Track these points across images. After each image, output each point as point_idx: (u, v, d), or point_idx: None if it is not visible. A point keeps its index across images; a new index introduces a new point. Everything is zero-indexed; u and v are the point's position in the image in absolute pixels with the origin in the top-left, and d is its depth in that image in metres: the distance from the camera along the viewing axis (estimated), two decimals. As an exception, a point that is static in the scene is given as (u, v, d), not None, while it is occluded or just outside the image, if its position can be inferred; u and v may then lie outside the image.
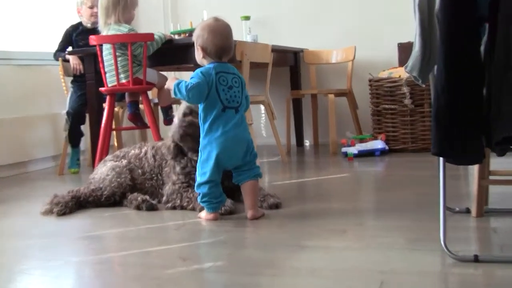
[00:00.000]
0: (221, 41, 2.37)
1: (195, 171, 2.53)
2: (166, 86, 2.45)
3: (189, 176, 2.70)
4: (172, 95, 2.39)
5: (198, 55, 2.44)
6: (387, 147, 4.38)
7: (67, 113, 4.31)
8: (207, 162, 2.35)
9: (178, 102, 5.29)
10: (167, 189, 2.75)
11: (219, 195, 2.42)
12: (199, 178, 2.39)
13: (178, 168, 2.73)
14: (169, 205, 2.71)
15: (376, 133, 4.56)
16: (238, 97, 2.41)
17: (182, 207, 2.68)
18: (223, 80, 2.36)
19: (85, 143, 4.82)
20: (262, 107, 5.48)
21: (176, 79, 2.39)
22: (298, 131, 5.28)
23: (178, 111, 2.73)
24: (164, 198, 2.76)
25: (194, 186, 2.59)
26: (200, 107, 2.38)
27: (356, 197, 2.91)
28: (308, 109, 5.27)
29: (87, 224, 2.60)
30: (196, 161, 2.49)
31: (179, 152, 2.71)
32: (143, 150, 2.97)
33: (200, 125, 2.39)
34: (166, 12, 5.81)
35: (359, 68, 5.09)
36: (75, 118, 4.29)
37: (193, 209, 2.63)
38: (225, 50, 2.40)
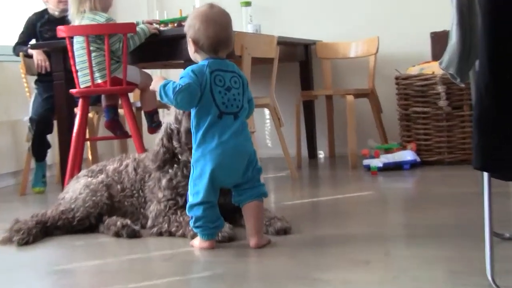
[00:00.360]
0: (217, 32, 2.36)
1: (185, 183, 2.53)
2: (151, 88, 2.44)
3: (175, 191, 2.70)
4: (158, 98, 2.39)
5: (190, 50, 2.44)
6: (418, 159, 4.38)
7: (30, 120, 4.32)
8: (201, 179, 2.34)
9: (165, 106, 5.29)
10: (152, 209, 2.75)
11: (216, 218, 2.41)
12: (191, 198, 2.38)
13: (163, 181, 2.72)
14: (155, 230, 2.71)
15: (405, 142, 4.56)
16: (238, 101, 2.40)
17: (171, 233, 2.67)
18: (219, 80, 2.35)
19: (52, 156, 4.82)
20: (266, 111, 5.49)
21: (163, 79, 2.39)
22: (310, 140, 5.28)
23: (168, 114, 2.74)
24: (149, 222, 2.75)
25: (184, 205, 2.58)
26: (192, 112, 2.37)
27: (382, 220, 2.90)
28: (322, 114, 5.28)
29: (55, 255, 2.59)
30: (188, 172, 2.49)
31: (170, 159, 2.71)
32: (123, 163, 2.97)
33: (192, 133, 2.38)
34: (151, 1, 5.84)
35: (384, 63, 5.10)
36: (40, 126, 4.30)
37: (184, 235, 2.62)
38: (222, 43, 2.39)
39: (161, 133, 2.73)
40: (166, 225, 2.68)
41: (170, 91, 2.32)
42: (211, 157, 2.33)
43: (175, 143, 2.67)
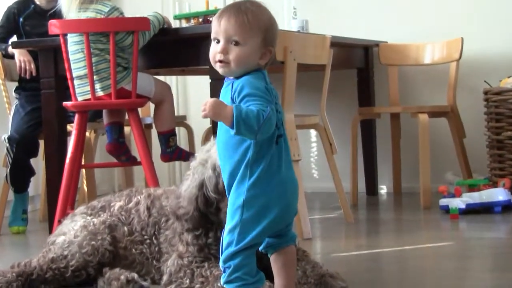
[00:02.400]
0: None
1: (216, 245, 2.54)
2: (207, 114, 2.25)
3: (205, 251, 2.73)
4: (232, 132, 2.26)
5: (252, 57, 2.42)
6: (513, 200, 4.37)
7: (9, 139, 4.37)
8: (257, 222, 2.36)
9: (184, 125, 5.38)
10: (170, 264, 2.78)
11: (256, 271, 2.44)
12: (231, 248, 2.41)
13: (188, 237, 2.76)
14: (173, 287, 2.75)
15: (496, 177, 4.55)
16: (280, 118, 2.46)
17: (193, 291, 2.71)
18: (274, 95, 2.40)
19: (35, 185, 4.89)
20: (313, 133, 5.52)
21: (220, 102, 2.27)
22: (369, 172, 5.30)
23: (200, 161, 2.75)
24: (165, 278, 2.78)
25: (214, 260, 2.62)
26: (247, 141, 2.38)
27: (465, 282, 2.90)
28: (385, 137, 5.30)
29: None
30: (221, 233, 2.50)
31: (203, 222, 2.74)
32: (133, 200, 3.02)
33: (237, 166, 2.40)
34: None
35: (469, 72, 5.11)
36: (21, 148, 4.36)
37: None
38: None
39: (193, 187, 2.73)
40: (187, 281, 2.70)
41: (254, 120, 2.28)
42: (276, 195, 2.37)
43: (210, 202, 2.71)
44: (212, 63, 2.39)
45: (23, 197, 4.49)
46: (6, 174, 4.41)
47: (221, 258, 2.40)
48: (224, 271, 2.41)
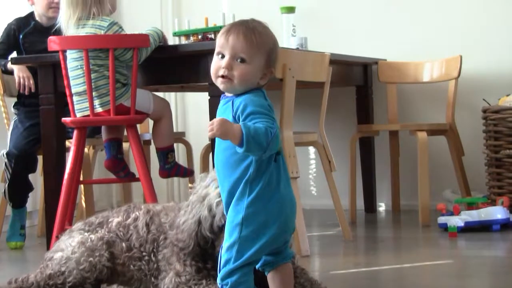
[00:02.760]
0: None
1: (215, 263, 2.54)
2: (215, 133, 2.24)
3: (204, 272, 2.73)
4: (239, 150, 2.25)
5: (255, 76, 2.43)
6: (512, 218, 4.37)
7: (7, 154, 4.38)
8: (256, 239, 2.36)
9: (183, 141, 5.39)
10: (168, 281, 2.78)
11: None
12: (229, 265, 2.40)
13: (188, 259, 2.76)
14: (171, 304, 2.74)
15: (494, 195, 4.55)
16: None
17: (193, 309, 2.70)
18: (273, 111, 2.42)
19: (33, 201, 4.89)
20: (312, 150, 5.52)
21: (226, 121, 2.26)
22: (368, 189, 5.30)
23: (202, 191, 2.74)
24: (164, 295, 2.78)
25: (212, 279, 2.62)
26: (248, 159, 2.38)
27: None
28: (384, 155, 5.31)
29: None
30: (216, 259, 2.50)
31: (200, 257, 2.74)
32: (131, 216, 3.01)
33: (236, 184, 2.39)
34: (165, 2, 5.95)
35: (467, 91, 5.12)
36: (20, 163, 4.37)
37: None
38: None
39: (191, 223, 2.71)
40: (186, 299, 2.71)
41: (263, 137, 2.28)
42: (275, 213, 2.37)
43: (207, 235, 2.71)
44: (213, 78, 2.39)
45: (21, 213, 4.49)
46: (4, 190, 4.41)
47: (219, 275, 2.40)
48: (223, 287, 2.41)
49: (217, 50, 2.38)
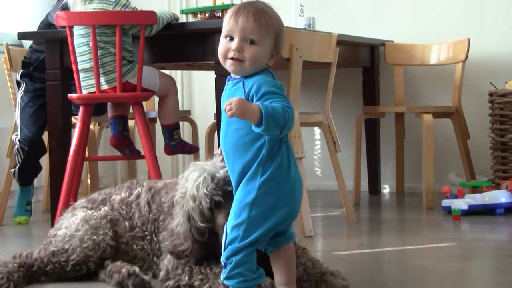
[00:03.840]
0: None
1: (218, 243, 2.53)
2: (235, 113, 2.22)
3: (206, 249, 2.72)
4: (257, 129, 2.25)
5: (264, 57, 2.42)
6: (516, 202, 4.37)
7: (20, 142, 4.36)
8: (264, 220, 2.36)
9: (188, 119, 5.38)
10: (167, 261, 2.77)
11: (256, 267, 2.44)
12: (235, 243, 2.40)
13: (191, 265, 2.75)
14: (171, 283, 2.73)
15: (499, 179, 4.54)
16: None
17: (192, 287, 2.70)
18: None
19: (38, 176, 4.88)
20: (317, 131, 5.51)
21: (242, 100, 2.25)
22: (372, 171, 5.30)
23: (195, 176, 2.71)
24: (162, 274, 2.77)
25: (213, 258, 2.62)
26: (261, 139, 2.37)
27: (467, 282, 2.89)
28: (389, 137, 5.30)
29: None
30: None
31: (203, 255, 2.71)
32: (134, 192, 3.00)
33: (248, 165, 2.38)
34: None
35: (474, 74, 5.10)
36: (32, 149, 4.36)
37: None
38: None
39: (183, 222, 2.64)
40: (186, 277, 2.69)
41: (281, 116, 2.28)
42: (285, 195, 2.37)
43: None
44: (221, 60, 2.38)
45: (29, 189, 4.51)
46: (14, 171, 4.41)
47: (224, 253, 2.40)
48: (225, 267, 2.41)
49: (225, 32, 2.37)
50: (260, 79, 2.34)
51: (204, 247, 2.66)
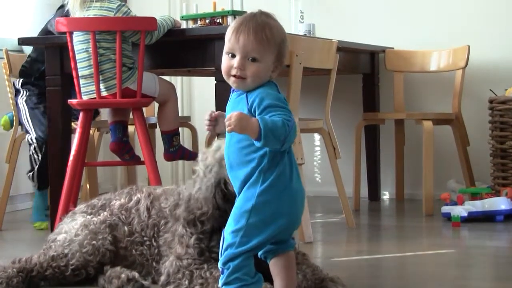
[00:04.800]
0: None
1: (217, 246, 2.53)
2: (233, 128, 2.23)
3: (206, 254, 2.72)
4: (257, 144, 2.26)
5: (267, 72, 2.38)
6: (516, 209, 4.36)
7: (37, 140, 4.37)
8: (262, 228, 2.35)
9: (188, 125, 5.38)
10: (168, 265, 2.78)
11: (254, 272, 2.44)
12: (231, 249, 2.40)
13: (190, 240, 2.75)
14: (171, 287, 2.74)
15: (499, 186, 4.54)
16: None
17: (192, 292, 2.70)
18: None
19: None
20: (317, 137, 5.51)
21: (243, 115, 2.25)
22: (372, 177, 5.30)
23: (206, 157, 2.73)
24: (163, 278, 2.77)
25: (214, 262, 2.62)
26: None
27: (466, 289, 2.91)
28: (389, 143, 5.30)
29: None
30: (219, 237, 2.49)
31: (221, 222, 2.71)
32: (133, 198, 3.01)
33: (251, 173, 2.38)
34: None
35: (474, 81, 5.11)
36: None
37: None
38: None
39: (208, 186, 2.67)
40: (186, 282, 2.69)
41: (281, 130, 2.28)
42: (286, 205, 2.36)
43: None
44: (225, 76, 2.38)
45: (46, 193, 4.50)
46: (31, 174, 4.42)
47: (221, 259, 2.40)
48: (223, 272, 2.41)
49: (226, 49, 2.35)
50: (263, 91, 2.32)
51: (222, 215, 2.65)
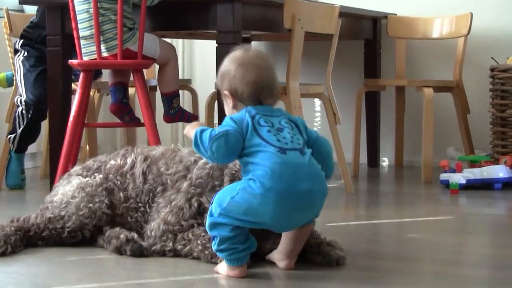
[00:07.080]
0: (257, 76, 2.46)
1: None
2: (185, 132, 2.55)
3: (196, 218, 2.73)
4: (193, 148, 2.46)
5: (228, 106, 2.54)
6: (514, 177, 4.36)
7: (26, 103, 4.33)
8: (240, 215, 2.39)
9: (189, 88, 5.36)
10: (154, 228, 2.77)
11: (245, 238, 2.45)
12: (211, 218, 2.43)
13: (189, 219, 2.75)
14: (157, 247, 2.74)
15: (498, 154, 4.54)
16: (298, 139, 2.47)
17: (176, 251, 2.72)
18: (264, 121, 2.43)
19: (37, 142, 4.87)
20: (318, 103, 5.50)
21: (201, 125, 2.47)
22: (372, 144, 5.30)
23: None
24: (151, 240, 2.77)
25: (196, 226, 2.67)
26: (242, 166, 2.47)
27: (462, 257, 2.90)
28: (389, 110, 5.29)
29: (41, 273, 2.62)
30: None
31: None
32: (128, 161, 2.98)
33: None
34: None
35: (476, 49, 5.08)
36: (37, 111, 4.33)
37: (190, 253, 2.67)
38: (265, 89, 2.48)
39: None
40: (170, 243, 2.72)
41: (207, 138, 2.37)
42: (280, 208, 2.39)
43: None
44: None
45: (22, 157, 4.47)
46: (15, 135, 4.37)
47: (208, 223, 2.46)
48: (213, 239, 2.45)
49: None
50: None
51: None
